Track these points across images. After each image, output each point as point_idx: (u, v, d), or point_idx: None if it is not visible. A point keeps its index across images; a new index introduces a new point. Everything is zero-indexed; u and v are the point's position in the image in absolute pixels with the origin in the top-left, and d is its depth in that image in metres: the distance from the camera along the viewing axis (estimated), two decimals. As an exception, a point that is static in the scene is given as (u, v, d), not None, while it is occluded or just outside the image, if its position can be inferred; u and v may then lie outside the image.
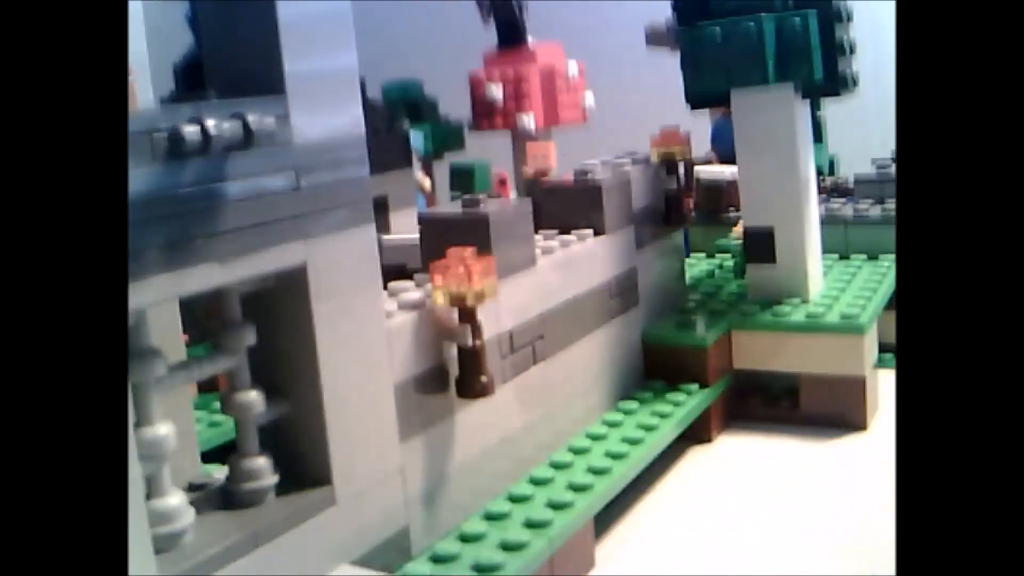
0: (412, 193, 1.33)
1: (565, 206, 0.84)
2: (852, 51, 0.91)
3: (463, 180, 1.53)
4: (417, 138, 1.57)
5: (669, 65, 0.92)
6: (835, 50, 0.89)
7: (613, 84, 2.03)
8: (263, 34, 0.49)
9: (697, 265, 1.19)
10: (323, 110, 0.52)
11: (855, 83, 0.91)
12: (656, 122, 0.95)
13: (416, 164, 1.52)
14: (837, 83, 0.89)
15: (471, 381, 0.61)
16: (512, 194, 1.46)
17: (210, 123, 0.43)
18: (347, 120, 0.53)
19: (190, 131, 0.42)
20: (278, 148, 0.48)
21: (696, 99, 0.94)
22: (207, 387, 0.82)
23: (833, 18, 0.88)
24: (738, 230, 1.03)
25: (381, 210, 1.22)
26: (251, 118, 0.45)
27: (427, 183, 1.61)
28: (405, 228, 1.07)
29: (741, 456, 0.86)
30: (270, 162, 0.48)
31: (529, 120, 1.70)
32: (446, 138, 1.75)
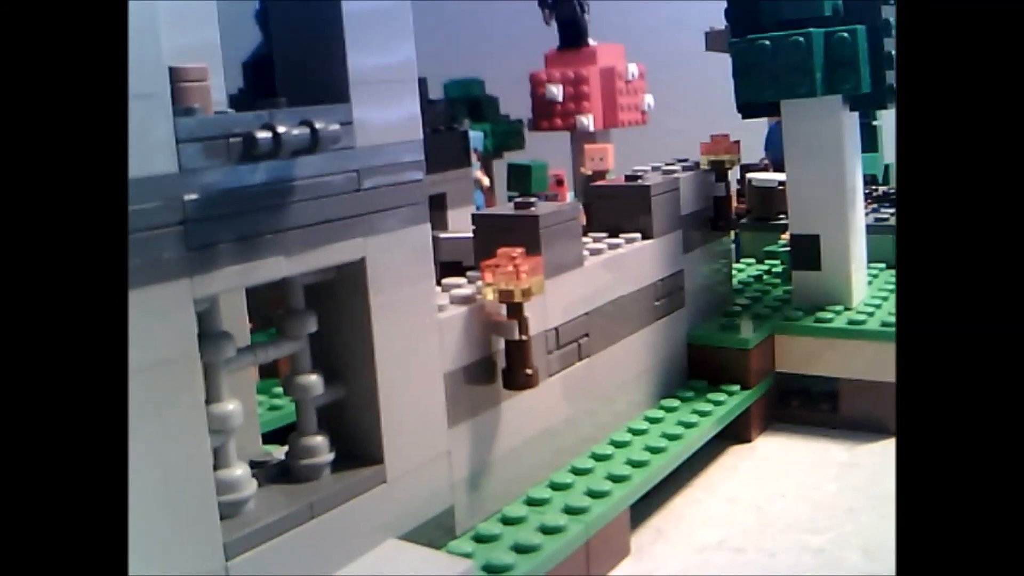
0: (470, 191, 1.36)
1: (615, 209, 0.87)
2: (901, 64, 0.92)
3: (520, 179, 1.56)
4: (477, 137, 1.60)
5: (728, 70, 0.93)
6: (883, 63, 0.90)
7: (674, 86, 2.04)
8: (330, 43, 0.53)
9: (746, 270, 1.21)
10: (384, 116, 0.55)
11: (903, 96, 0.93)
12: (715, 125, 0.97)
13: (475, 163, 1.54)
14: (884, 95, 0.91)
15: (517, 374, 0.64)
16: (569, 194, 1.48)
17: (281, 129, 0.47)
18: (406, 126, 0.57)
19: (263, 136, 0.46)
20: (342, 152, 0.52)
21: (747, 109, 0.97)
22: (268, 374, 0.86)
23: (882, 32, 0.90)
24: (786, 236, 1.06)
25: (439, 207, 1.25)
26: (318, 124, 0.49)
27: (486, 181, 1.64)
28: (462, 225, 1.11)
29: (779, 456, 0.89)
30: (334, 165, 0.52)
31: (588, 121, 1.72)
32: (506, 137, 1.77)
